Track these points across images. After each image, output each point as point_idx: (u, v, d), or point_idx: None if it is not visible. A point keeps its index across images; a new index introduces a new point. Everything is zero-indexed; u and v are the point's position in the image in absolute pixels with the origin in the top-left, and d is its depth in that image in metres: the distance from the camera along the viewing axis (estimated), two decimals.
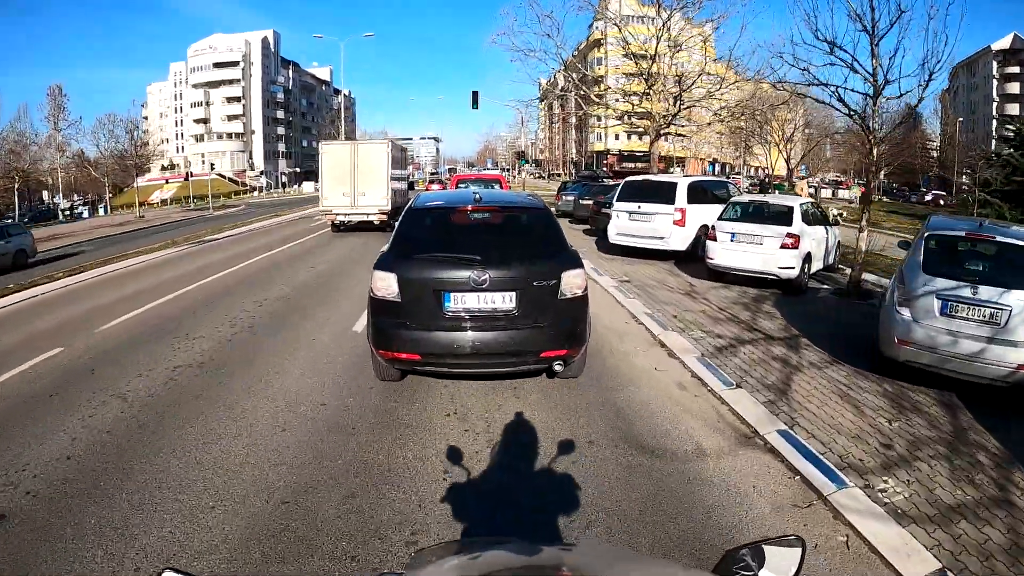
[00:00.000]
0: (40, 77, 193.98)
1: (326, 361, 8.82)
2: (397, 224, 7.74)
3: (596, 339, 9.29)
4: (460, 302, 6.75)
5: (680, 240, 16.73)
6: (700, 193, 17.67)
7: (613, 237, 17.79)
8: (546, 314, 6.89)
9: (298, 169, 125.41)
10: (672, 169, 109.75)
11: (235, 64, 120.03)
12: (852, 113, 14.21)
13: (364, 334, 8.39)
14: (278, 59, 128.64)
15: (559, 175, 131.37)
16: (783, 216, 13.97)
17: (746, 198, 16.23)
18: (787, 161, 63.57)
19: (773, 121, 54.90)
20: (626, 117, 30.69)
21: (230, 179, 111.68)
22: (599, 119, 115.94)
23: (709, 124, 34.40)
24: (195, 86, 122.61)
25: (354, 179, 25.62)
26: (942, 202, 66.67)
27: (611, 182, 35.83)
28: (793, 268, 13.39)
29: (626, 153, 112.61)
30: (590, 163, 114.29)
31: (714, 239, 14.27)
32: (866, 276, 14.60)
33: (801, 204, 14.44)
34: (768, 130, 60.29)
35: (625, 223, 17.47)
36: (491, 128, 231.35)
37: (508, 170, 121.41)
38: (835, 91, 14.05)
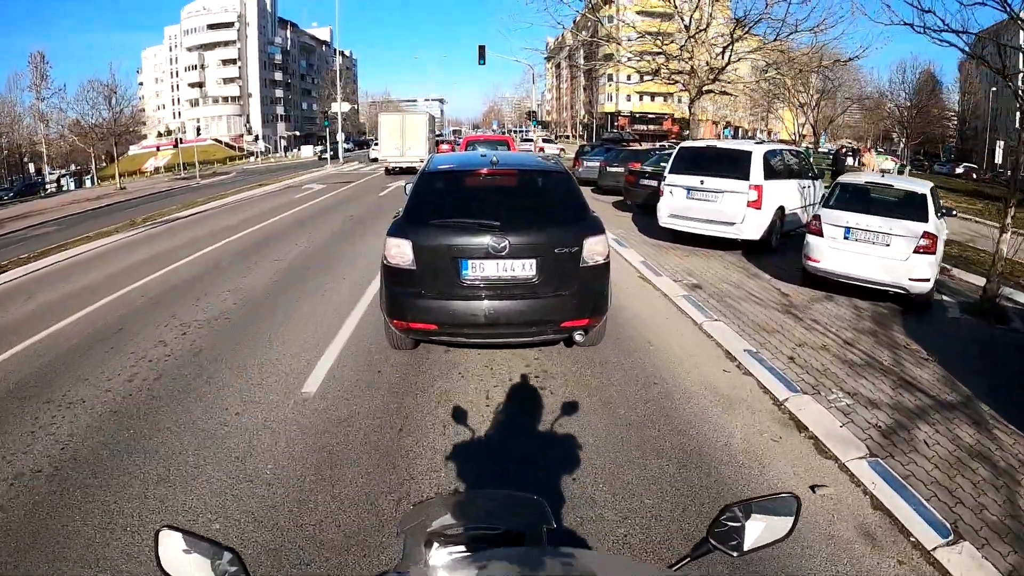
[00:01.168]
0: (31, 44, 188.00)
1: None
2: (411, 188, 7.31)
3: (693, 413, 6.14)
4: (478, 270, 6.46)
5: (755, 227, 12.83)
6: (778, 165, 13.83)
7: (665, 219, 13.92)
8: (568, 282, 6.59)
9: (298, 133, 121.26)
10: (685, 133, 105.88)
11: (230, 25, 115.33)
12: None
13: None
14: (275, 19, 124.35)
15: (567, 137, 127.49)
16: (915, 207, 10.12)
17: (863, 178, 12.26)
18: (814, 126, 59.06)
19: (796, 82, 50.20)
20: (661, 71, 26.09)
21: (226, 144, 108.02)
22: (610, 78, 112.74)
23: (757, 82, 29.66)
24: (189, 49, 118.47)
25: (403, 138, 36.56)
26: (975, 176, 62.60)
27: (638, 146, 31.74)
28: (928, 280, 9.65)
29: (638, 115, 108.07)
30: (603, 125, 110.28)
31: (819, 233, 10.40)
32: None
33: (932, 191, 10.60)
34: (791, 91, 55.74)
35: (682, 202, 13.56)
36: (496, 88, 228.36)
37: (514, 131, 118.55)
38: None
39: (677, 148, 14.51)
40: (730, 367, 7.32)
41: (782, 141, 65.68)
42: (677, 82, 25.99)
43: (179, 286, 11.38)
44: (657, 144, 43.61)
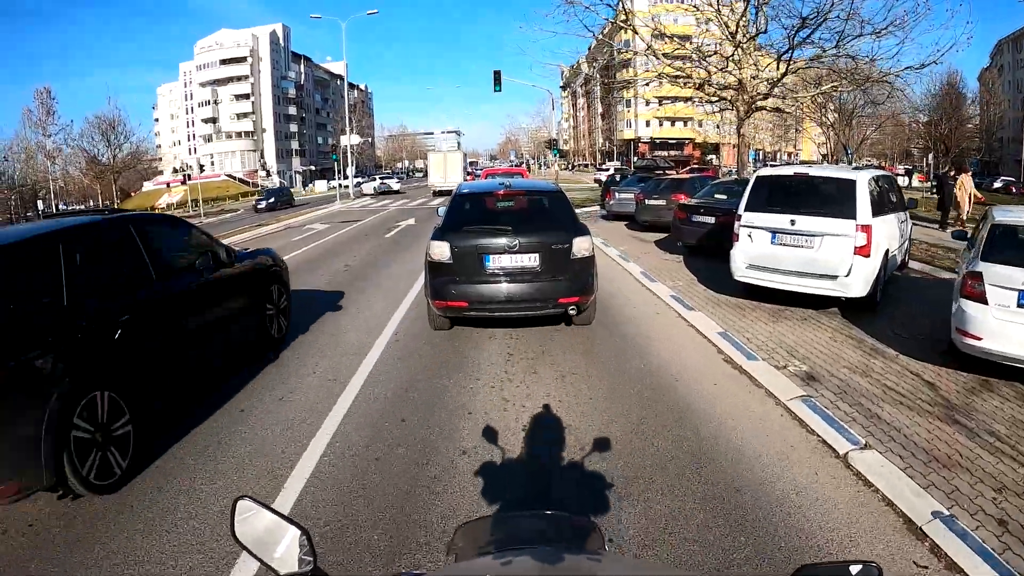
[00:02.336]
0: (51, 83, 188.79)
1: None
2: (447, 207, 9.78)
3: None
4: (497, 262, 8.73)
5: (863, 280, 9.52)
6: (880, 196, 10.57)
7: (742, 272, 10.59)
8: (562, 270, 8.76)
9: (313, 167, 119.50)
10: (708, 158, 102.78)
11: (243, 60, 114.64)
12: None
13: None
14: (288, 54, 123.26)
15: (585, 166, 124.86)
16: None
17: None
18: (845, 146, 55.45)
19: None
20: (704, 87, 22.70)
21: (240, 180, 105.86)
22: (628, 104, 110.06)
23: (813, 97, 26.07)
24: (202, 84, 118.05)
25: (445, 170, 50.41)
26: (1013, 189, 59.10)
27: (674, 174, 28.59)
28: None
29: (658, 140, 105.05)
30: (622, 152, 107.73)
31: (980, 299, 7.04)
32: None
33: None
34: (821, 108, 51.78)
35: (764, 249, 10.28)
36: (512, 118, 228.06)
37: (532, 160, 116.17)
38: None
39: (754, 178, 11.06)
40: (923, 555, 4.18)
41: (804, 163, 62.41)
42: (724, 98, 22.68)
43: None
44: (682, 170, 40.72)
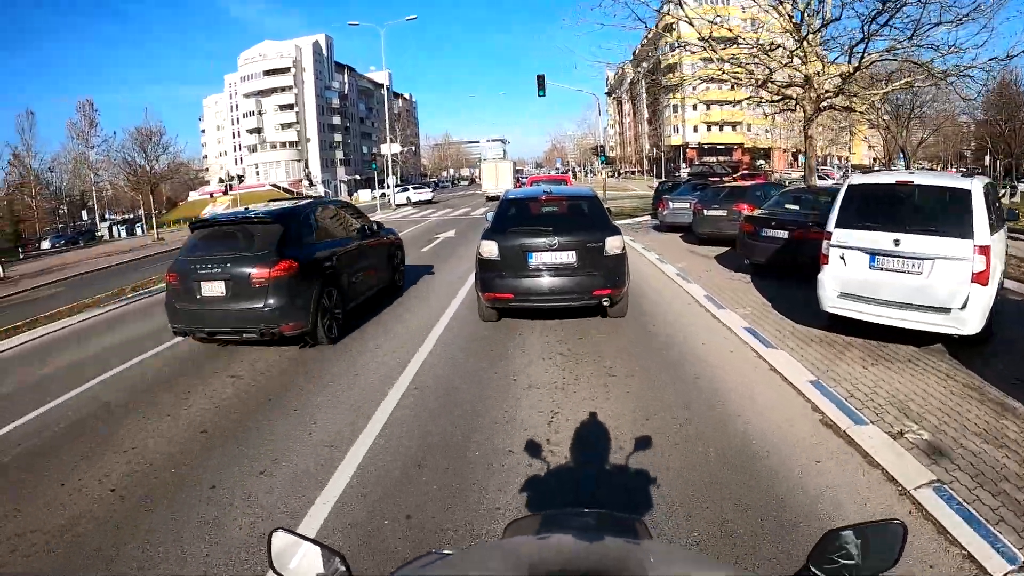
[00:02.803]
0: (100, 98, 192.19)
1: None
2: (495, 211, 11.01)
3: None
4: (540, 259, 9.84)
5: (979, 313, 7.75)
6: (994, 208, 8.82)
7: (833, 301, 8.80)
8: (596, 266, 9.80)
9: (358, 176, 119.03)
10: (758, 163, 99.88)
11: (286, 71, 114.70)
12: None
13: None
14: (331, 64, 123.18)
15: (632, 173, 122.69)
16: None
17: None
18: (903, 149, 52.69)
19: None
20: (767, 86, 20.67)
21: (284, 189, 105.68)
22: (676, 109, 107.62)
23: (885, 93, 23.65)
24: (247, 95, 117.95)
25: (497, 178, 54.88)
26: None
27: (730, 181, 26.78)
28: None
29: (706, 146, 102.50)
30: (670, 158, 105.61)
31: None
32: None
33: None
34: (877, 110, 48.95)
35: (861, 274, 8.53)
36: (557, 125, 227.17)
37: (578, 167, 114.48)
38: None
39: (845, 187, 9.17)
40: None
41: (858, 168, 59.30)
42: (789, 97, 20.78)
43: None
44: (737, 175, 38.53)
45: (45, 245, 69.07)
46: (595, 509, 2.72)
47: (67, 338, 13.05)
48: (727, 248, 16.90)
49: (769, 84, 20.47)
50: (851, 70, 18.69)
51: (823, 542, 1.66)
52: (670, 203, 22.67)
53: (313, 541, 1.69)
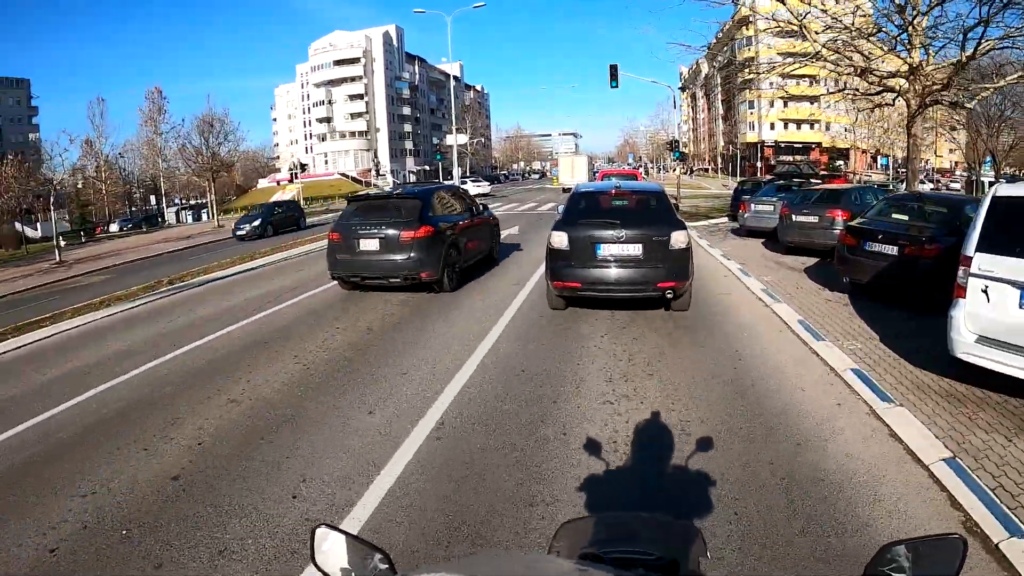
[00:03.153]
0: (188, 90, 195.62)
1: None
2: (565, 203, 11.70)
3: None
4: (607, 250, 10.26)
5: None
6: None
7: (968, 344, 6.69)
8: (661, 259, 10.14)
9: (427, 167, 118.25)
10: (837, 163, 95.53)
11: (356, 61, 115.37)
12: None
13: None
14: (402, 55, 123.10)
15: (705, 171, 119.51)
16: None
17: None
18: (992, 153, 49.05)
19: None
20: (866, 76, 18.27)
21: (353, 178, 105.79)
22: (751, 106, 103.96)
23: (998, 89, 21.03)
24: (317, 85, 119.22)
25: (573, 171, 56.76)
26: None
27: (819, 184, 24.14)
28: None
29: (783, 144, 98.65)
30: (745, 156, 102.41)
31: None
32: None
33: None
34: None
35: (1010, 314, 6.40)
36: (630, 120, 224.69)
37: (650, 164, 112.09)
38: None
39: (989, 200, 6.96)
40: None
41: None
42: (890, 89, 18.48)
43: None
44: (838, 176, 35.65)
45: (113, 228, 70.60)
46: (654, 514, 2.63)
47: (93, 333, 12.51)
48: (817, 260, 14.95)
49: (869, 74, 18.14)
50: (964, 59, 16.31)
51: (879, 556, 1.59)
52: (752, 205, 20.55)
53: (355, 538, 1.67)
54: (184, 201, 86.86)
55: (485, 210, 16.52)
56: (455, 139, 51.60)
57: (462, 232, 14.07)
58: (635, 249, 10.15)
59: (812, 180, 29.26)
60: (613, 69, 33.53)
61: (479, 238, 15.46)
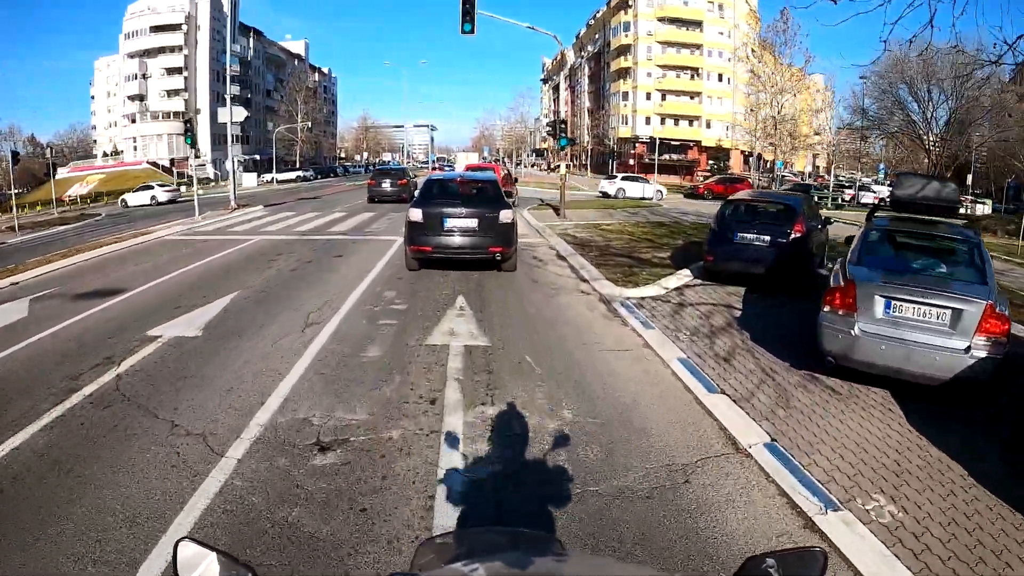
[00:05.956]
0: None
1: None
2: (420, 188, 15.13)
3: None
4: (452, 223, 13.33)
5: None
6: None
7: None
8: (492, 230, 13.37)
9: (258, 157, 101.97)
10: (718, 164, 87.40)
11: (176, 27, 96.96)
12: None
13: None
14: (235, 25, 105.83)
15: (568, 167, 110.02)
16: None
17: None
18: None
19: None
20: None
21: (165, 168, 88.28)
22: (625, 97, 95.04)
23: None
24: (130, 55, 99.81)
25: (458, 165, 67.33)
26: None
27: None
28: None
29: (660, 141, 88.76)
30: (618, 152, 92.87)
31: None
32: None
33: None
34: None
35: None
36: (487, 112, 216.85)
37: (507, 159, 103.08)
38: None
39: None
40: None
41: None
42: None
43: None
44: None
45: None
46: (511, 528, 2.94)
47: None
48: None
49: None
50: None
51: (742, 569, 1.63)
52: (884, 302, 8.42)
53: (221, 552, 1.56)
54: None
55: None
56: (230, 114, 37.12)
57: None
58: (473, 222, 13.41)
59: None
60: (467, 8, 21.37)
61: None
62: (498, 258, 13.45)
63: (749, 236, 12.73)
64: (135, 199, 50.18)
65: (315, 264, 15.55)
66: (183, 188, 52.40)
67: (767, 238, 12.51)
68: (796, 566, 1.59)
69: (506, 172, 38.49)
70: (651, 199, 44.28)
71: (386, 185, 36.54)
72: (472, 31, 22.28)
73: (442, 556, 2.13)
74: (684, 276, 13.96)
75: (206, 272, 14.88)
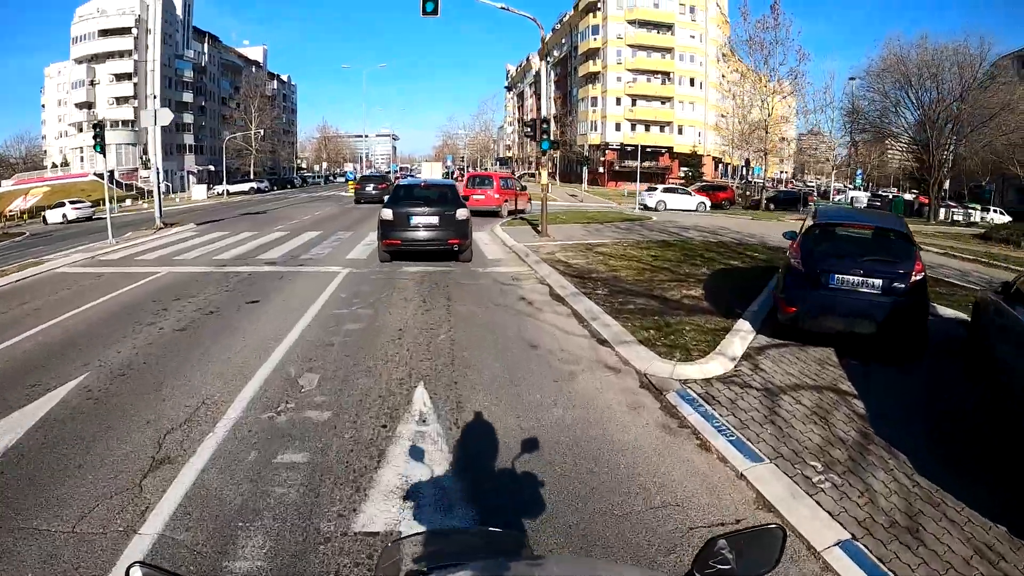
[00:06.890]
0: None
1: None
2: (392, 191, 19.56)
3: None
4: (417, 220, 16.21)
5: None
6: None
7: None
8: (450, 225, 16.31)
9: (212, 167, 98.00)
10: (689, 172, 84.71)
11: (126, 31, 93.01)
12: None
13: None
14: (189, 30, 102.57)
15: (532, 175, 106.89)
16: None
17: None
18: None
19: None
20: None
21: (116, 181, 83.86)
22: (594, 103, 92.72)
23: None
24: (78, 61, 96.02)
25: (431, 172, 76.43)
26: None
27: None
28: None
29: (629, 147, 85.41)
30: (587, 159, 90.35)
31: None
32: None
33: None
34: None
35: None
36: (450, 120, 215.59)
37: (469, 168, 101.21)
38: None
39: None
40: None
41: None
42: None
43: None
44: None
45: None
46: (480, 528, 2.92)
47: None
48: None
49: None
50: None
51: (705, 549, 1.70)
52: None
53: (174, 575, 1.54)
54: None
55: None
56: (154, 118, 32.83)
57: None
58: (434, 219, 16.36)
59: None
60: None
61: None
62: (456, 249, 16.55)
63: (852, 279, 9.25)
64: (53, 216, 48.38)
65: (215, 317, 11.54)
66: (129, 202, 49.24)
67: (878, 282, 9.09)
68: (754, 544, 1.70)
69: (514, 181, 40.53)
70: (694, 210, 44.54)
71: (370, 188, 45.81)
72: (436, 11, 20.77)
73: (406, 559, 2.04)
74: (744, 332, 10.15)
75: (65, 332, 10.72)
